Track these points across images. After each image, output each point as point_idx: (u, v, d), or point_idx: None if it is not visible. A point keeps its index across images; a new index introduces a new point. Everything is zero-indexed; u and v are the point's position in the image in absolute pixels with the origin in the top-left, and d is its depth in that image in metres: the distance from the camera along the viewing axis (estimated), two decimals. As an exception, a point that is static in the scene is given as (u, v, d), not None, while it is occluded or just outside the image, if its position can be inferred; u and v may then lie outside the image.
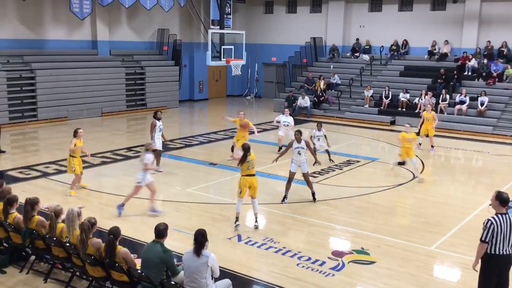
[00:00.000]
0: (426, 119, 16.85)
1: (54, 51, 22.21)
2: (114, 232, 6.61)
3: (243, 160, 9.52)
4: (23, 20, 21.20)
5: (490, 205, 6.50)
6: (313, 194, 11.46)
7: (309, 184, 11.46)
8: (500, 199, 6.34)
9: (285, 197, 11.40)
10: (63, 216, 7.36)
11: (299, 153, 11.23)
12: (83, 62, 22.63)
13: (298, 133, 11.34)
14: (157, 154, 13.01)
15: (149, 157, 10.35)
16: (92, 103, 22.38)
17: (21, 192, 10.17)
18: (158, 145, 13.40)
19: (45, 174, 13.23)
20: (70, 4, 20.94)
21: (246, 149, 9.58)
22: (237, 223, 9.74)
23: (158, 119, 13.62)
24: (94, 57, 23.55)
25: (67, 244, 7.00)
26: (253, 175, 9.64)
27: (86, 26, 23.29)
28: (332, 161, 14.92)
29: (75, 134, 11.51)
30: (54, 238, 7.19)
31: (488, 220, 6.29)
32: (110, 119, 22.03)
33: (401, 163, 14.12)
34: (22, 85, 20.26)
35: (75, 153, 11.50)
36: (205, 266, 6.11)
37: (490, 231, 6.24)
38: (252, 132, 15.11)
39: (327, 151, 15.05)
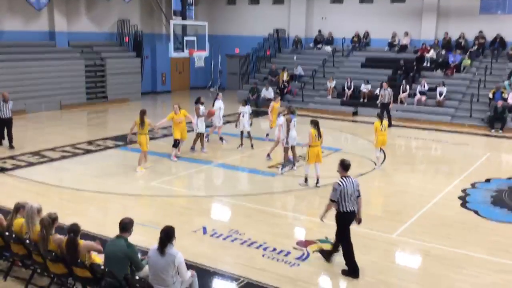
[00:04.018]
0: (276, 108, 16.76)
1: (10, 43, 21.46)
2: (74, 229, 6.41)
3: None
4: (-24, 10, 20.44)
5: (337, 170, 7.71)
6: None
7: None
8: (343, 165, 7.67)
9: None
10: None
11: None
12: (40, 54, 21.97)
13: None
14: (202, 136, 14.75)
15: (282, 119, 13.29)
16: (51, 96, 21.74)
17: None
18: (201, 128, 14.61)
19: (2, 170, 12.82)
20: (26, -6, 20.31)
21: (314, 123, 11.59)
22: (304, 182, 11.87)
23: (202, 104, 14.64)
24: (52, 48, 22.90)
25: (27, 241, 6.81)
26: (318, 146, 11.70)
27: (43, 16, 22.60)
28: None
29: (145, 113, 12.49)
30: (13, 235, 6.99)
31: (337, 183, 7.50)
32: (69, 112, 21.51)
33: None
34: (-24, 77, 19.55)
35: (147, 130, 12.64)
36: (171, 265, 6.00)
37: (338, 192, 7.45)
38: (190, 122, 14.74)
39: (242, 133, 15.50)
